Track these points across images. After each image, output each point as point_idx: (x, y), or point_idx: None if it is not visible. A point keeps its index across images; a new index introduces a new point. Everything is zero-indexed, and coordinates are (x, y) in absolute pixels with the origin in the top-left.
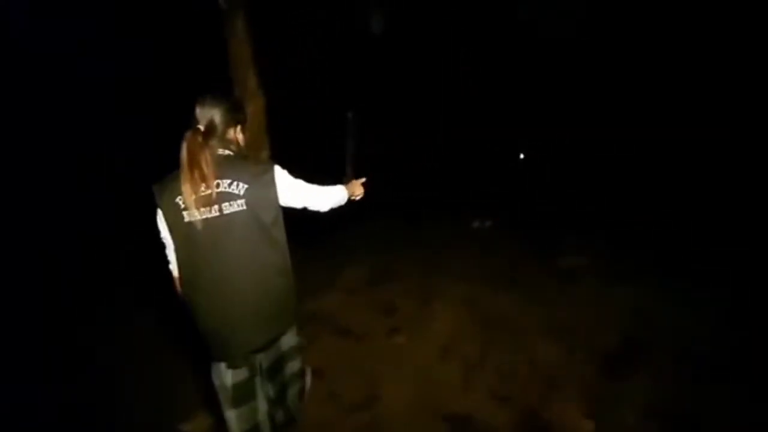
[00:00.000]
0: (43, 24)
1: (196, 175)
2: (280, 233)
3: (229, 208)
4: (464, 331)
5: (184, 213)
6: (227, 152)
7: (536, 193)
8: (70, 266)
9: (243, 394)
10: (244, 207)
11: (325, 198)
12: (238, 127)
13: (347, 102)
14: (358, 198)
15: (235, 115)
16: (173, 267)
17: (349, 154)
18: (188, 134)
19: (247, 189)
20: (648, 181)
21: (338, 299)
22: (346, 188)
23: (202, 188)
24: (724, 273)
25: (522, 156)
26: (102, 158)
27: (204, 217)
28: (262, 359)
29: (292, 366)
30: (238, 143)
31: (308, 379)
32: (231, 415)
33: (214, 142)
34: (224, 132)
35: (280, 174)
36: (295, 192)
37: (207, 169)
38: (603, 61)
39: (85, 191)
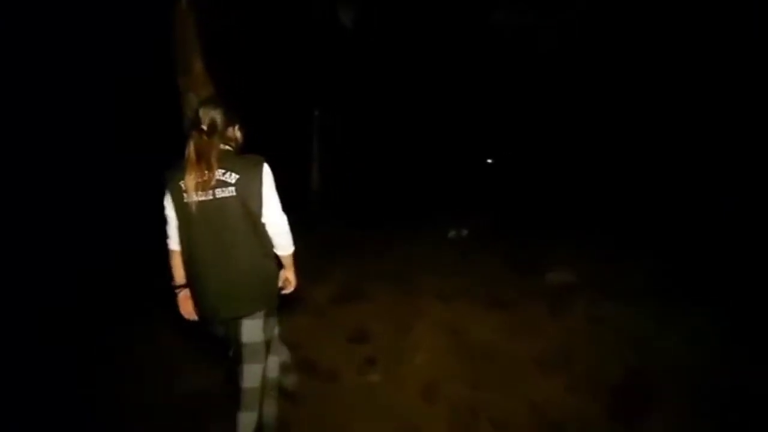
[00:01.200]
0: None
1: (203, 165)
2: None
3: (221, 193)
4: (449, 365)
5: (184, 195)
6: (227, 147)
7: (512, 200)
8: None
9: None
10: (234, 193)
11: (282, 225)
12: (236, 126)
13: (314, 99)
14: (284, 285)
15: (232, 116)
16: (170, 241)
17: (315, 154)
18: (194, 133)
19: (238, 179)
20: (634, 186)
21: (304, 323)
22: (293, 261)
23: (204, 176)
24: (724, 289)
25: (489, 161)
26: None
27: (199, 199)
28: (241, 331)
29: (268, 366)
30: (236, 140)
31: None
32: (239, 369)
33: (215, 138)
34: (224, 130)
35: (267, 173)
36: (267, 197)
37: (213, 160)
38: (581, 62)
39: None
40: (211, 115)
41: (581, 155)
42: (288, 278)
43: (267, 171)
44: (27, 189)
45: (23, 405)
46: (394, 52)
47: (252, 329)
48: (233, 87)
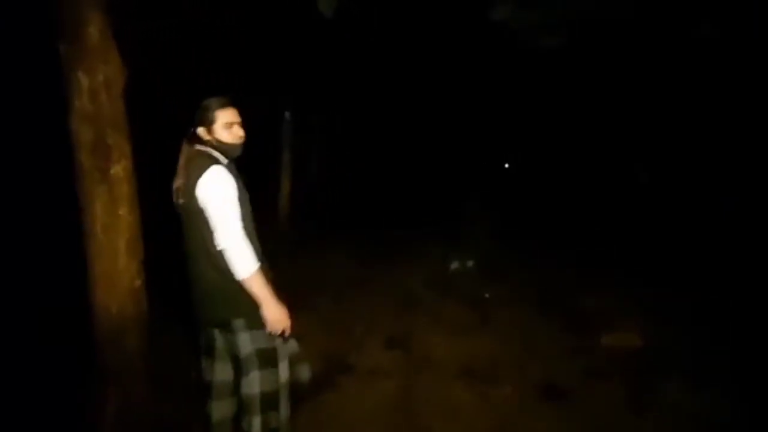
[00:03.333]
0: None
1: (180, 168)
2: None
3: (182, 199)
4: None
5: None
6: (204, 149)
7: (514, 219)
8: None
9: (216, 389)
10: (189, 199)
11: (227, 243)
12: (214, 125)
13: (285, 99)
14: (273, 324)
15: (204, 114)
16: None
17: (285, 163)
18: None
19: (191, 184)
20: (645, 198)
21: None
22: (260, 290)
23: (178, 179)
24: None
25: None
26: None
27: (179, 202)
28: (219, 339)
29: (249, 381)
30: (215, 140)
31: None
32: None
33: (194, 139)
34: (194, 130)
35: (212, 178)
36: (213, 208)
37: (181, 163)
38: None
39: None
40: (195, 116)
41: (577, 164)
42: (273, 314)
43: (212, 175)
44: (27, 188)
45: (23, 405)
46: (378, 48)
47: (241, 342)
48: (192, 83)
